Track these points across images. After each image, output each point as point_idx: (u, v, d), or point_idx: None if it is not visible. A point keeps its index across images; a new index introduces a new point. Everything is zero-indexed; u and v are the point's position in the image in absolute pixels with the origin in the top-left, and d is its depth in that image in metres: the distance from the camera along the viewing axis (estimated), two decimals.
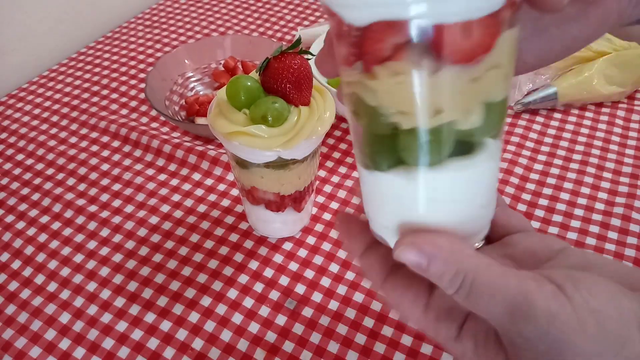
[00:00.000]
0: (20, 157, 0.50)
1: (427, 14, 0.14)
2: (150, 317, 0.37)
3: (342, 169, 0.48)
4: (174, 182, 0.47)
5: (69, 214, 0.44)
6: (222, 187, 0.46)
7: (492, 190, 0.19)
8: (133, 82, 0.58)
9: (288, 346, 0.35)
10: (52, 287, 0.39)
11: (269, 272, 0.39)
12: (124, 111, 0.55)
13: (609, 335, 0.15)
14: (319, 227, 0.42)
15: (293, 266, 0.40)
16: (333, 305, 0.37)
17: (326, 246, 0.41)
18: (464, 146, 0.17)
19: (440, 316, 0.18)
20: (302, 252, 0.41)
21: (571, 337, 0.15)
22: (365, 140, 0.18)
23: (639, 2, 0.20)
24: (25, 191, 0.47)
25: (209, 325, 0.36)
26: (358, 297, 0.38)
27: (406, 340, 0.35)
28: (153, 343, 0.35)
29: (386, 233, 0.19)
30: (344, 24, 0.16)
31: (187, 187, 0.46)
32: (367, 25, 0.15)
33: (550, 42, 0.21)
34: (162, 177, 0.47)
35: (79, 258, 0.41)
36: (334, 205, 0.44)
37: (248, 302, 0.38)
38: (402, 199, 0.18)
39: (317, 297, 0.38)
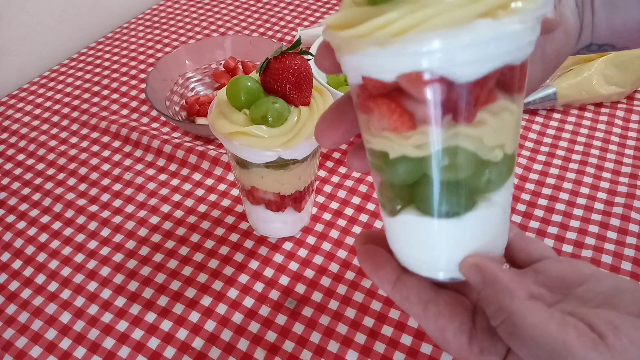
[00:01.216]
0: (21, 157, 0.50)
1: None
2: (150, 317, 0.37)
3: (342, 169, 0.48)
4: (175, 182, 0.47)
5: (69, 213, 0.45)
6: (222, 187, 0.46)
7: (507, 222, 0.20)
8: (134, 82, 0.59)
9: (288, 345, 0.35)
10: (53, 286, 0.39)
11: (269, 272, 0.39)
12: (125, 111, 0.55)
13: None
14: (319, 227, 0.43)
15: (293, 266, 0.40)
16: (333, 304, 0.37)
17: (326, 246, 0.41)
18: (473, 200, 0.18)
19: (484, 349, 0.18)
20: (302, 252, 0.41)
21: None
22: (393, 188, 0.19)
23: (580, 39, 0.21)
24: (26, 191, 0.47)
25: (210, 325, 0.36)
26: (358, 296, 0.38)
27: (406, 339, 0.35)
28: (153, 343, 0.36)
29: (419, 265, 0.20)
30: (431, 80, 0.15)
31: (187, 187, 0.46)
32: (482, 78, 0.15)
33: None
34: (163, 177, 0.48)
35: (79, 258, 0.41)
36: (334, 205, 0.44)
37: (248, 302, 0.38)
38: (432, 238, 0.19)
39: (317, 296, 0.38)
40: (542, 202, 0.44)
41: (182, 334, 0.36)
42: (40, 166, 0.49)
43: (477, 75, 0.15)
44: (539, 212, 0.43)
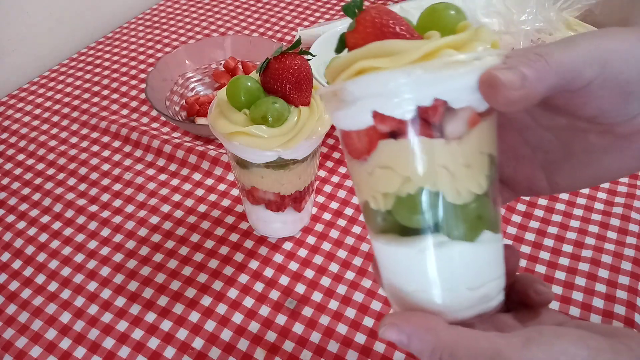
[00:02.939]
0: (21, 157, 0.50)
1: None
2: (150, 317, 0.37)
3: (342, 169, 0.48)
4: (175, 182, 0.47)
5: (69, 213, 0.45)
6: (222, 187, 0.46)
7: (481, 275, 0.20)
8: (134, 82, 0.59)
9: (288, 345, 0.35)
10: (53, 286, 0.39)
11: (269, 272, 0.39)
12: (125, 111, 0.55)
13: None
14: (319, 227, 0.43)
15: (293, 266, 0.40)
16: (333, 304, 0.37)
17: (326, 246, 0.41)
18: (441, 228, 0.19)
19: None
20: (302, 252, 0.41)
21: None
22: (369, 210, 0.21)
23: None
24: (26, 191, 0.47)
25: (210, 325, 0.36)
26: (358, 296, 0.38)
27: None
28: (153, 343, 0.36)
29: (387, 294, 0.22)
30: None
31: (187, 187, 0.46)
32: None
33: (580, 168, 0.21)
34: (163, 177, 0.48)
35: (79, 258, 0.41)
36: (334, 205, 0.44)
37: (248, 302, 0.38)
38: (394, 267, 0.21)
39: (317, 296, 0.38)
40: (542, 202, 0.44)
41: (182, 334, 0.36)
42: (40, 166, 0.49)
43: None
44: (539, 212, 0.43)
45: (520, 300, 0.22)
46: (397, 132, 0.18)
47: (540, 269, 0.39)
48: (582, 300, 0.37)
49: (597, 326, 0.19)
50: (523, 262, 0.39)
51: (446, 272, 0.19)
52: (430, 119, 0.18)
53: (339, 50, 0.20)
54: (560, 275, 0.38)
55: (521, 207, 0.44)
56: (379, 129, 0.19)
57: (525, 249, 0.40)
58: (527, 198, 0.44)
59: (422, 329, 0.18)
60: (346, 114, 0.19)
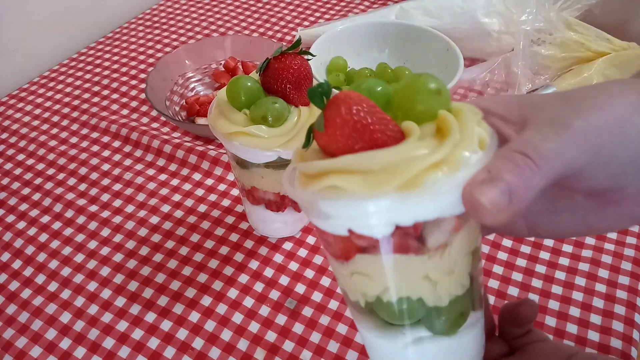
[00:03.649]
0: (21, 157, 0.50)
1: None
2: (150, 317, 0.37)
3: None
4: (175, 182, 0.47)
5: (69, 214, 0.45)
6: (222, 187, 0.46)
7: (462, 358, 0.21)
8: (133, 82, 0.59)
9: (288, 345, 0.35)
10: (53, 286, 0.39)
11: (269, 272, 0.39)
12: (125, 111, 0.55)
13: None
14: None
15: (293, 266, 0.40)
16: (333, 304, 0.37)
17: None
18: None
19: None
20: (302, 252, 0.41)
21: None
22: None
23: None
24: (26, 191, 0.47)
25: (210, 325, 0.36)
26: None
27: None
28: (153, 343, 0.36)
29: None
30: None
31: (187, 187, 0.46)
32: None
33: (564, 224, 0.20)
34: (163, 177, 0.48)
35: (79, 258, 0.41)
36: None
37: (248, 302, 0.38)
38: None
39: (317, 296, 0.38)
40: None
41: (182, 334, 0.36)
42: (40, 166, 0.49)
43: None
44: None
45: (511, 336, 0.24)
46: (374, 247, 0.18)
47: (541, 269, 0.39)
48: (582, 300, 0.37)
49: None
50: (523, 262, 0.39)
51: None
52: (410, 235, 0.17)
53: (306, 145, 0.18)
54: (560, 275, 0.38)
55: None
56: (356, 242, 0.18)
57: (525, 249, 0.40)
58: None
59: None
60: (321, 222, 0.18)
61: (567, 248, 0.40)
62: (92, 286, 0.39)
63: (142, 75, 0.59)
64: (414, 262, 0.17)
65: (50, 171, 0.49)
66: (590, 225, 0.20)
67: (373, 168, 0.16)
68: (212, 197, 0.45)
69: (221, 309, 0.37)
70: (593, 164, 0.17)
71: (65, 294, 0.39)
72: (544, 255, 0.40)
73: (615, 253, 0.40)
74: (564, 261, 0.39)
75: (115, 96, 0.57)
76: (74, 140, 0.52)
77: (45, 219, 0.44)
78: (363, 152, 0.16)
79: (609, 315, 0.36)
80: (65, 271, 0.40)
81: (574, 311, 0.36)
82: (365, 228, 0.17)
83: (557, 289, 0.37)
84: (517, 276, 0.38)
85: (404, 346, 0.20)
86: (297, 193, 0.18)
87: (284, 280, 0.39)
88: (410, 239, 0.17)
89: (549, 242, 0.41)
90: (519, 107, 0.18)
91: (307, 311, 0.37)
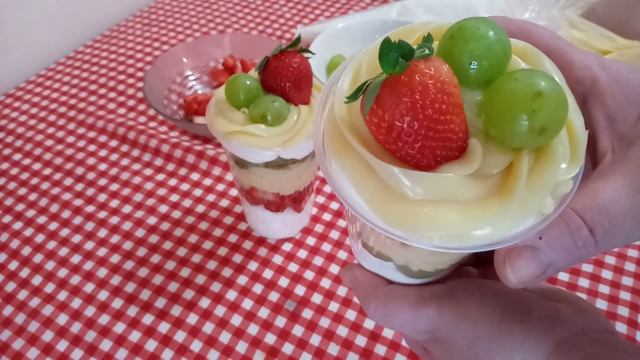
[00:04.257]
0: (17, 157, 0.50)
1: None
2: (148, 319, 0.36)
3: None
4: (172, 182, 0.46)
5: (66, 214, 0.44)
6: (221, 187, 0.46)
7: None
8: (131, 80, 0.58)
9: (288, 348, 0.35)
10: (50, 288, 0.39)
11: (268, 273, 0.39)
12: (122, 110, 0.54)
13: None
14: (319, 228, 0.42)
15: (293, 267, 0.39)
16: (333, 306, 0.37)
17: (326, 247, 0.41)
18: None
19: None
20: (302, 253, 0.40)
21: None
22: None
23: None
24: (22, 191, 0.46)
25: (208, 327, 0.36)
26: None
27: None
28: (151, 345, 0.35)
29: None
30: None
31: (185, 187, 0.46)
32: None
33: None
34: (160, 177, 0.47)
35: (76, 259, 0.41)
36: (334, 205, 0.44)
37: (247, 304, 0.37)
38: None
39: (317, 298, 0.37)
40: None
41: (180, 336, 0.36)
42: (37, 166, 0.49)
43: None
44: None
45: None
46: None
47: None
48: (588, 287, 0.36)
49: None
50: None
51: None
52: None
53: (352, 98, 0.15)
54: (563, 276, 0.38)
55: None
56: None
57: None
58: None
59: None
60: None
61: None
62: (89, 287, 0.39)
63: (140, 74, 0.59)
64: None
65: (47, 171, 0.48)
66: None
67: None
68: (211, 198, 0.45)
69: (220, 310, 0.37)
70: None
71: (62, 295, 0.38)
72: None
73: (618, 254, 0.39)
74: None
75: (112, 95, 0.56)
76: (70, 139, 0.51)
77: (42, 219, 0.44)
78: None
79: (613, 317, 0.35)
80: (62, 272, 0.40)
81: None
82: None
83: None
84: None
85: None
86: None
87: (283, 281, 0.38)
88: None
89: None
90: None
91: (307, 313, 0.36)
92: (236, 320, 0.36)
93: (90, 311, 0.37)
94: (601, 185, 0.15)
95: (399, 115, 0.13)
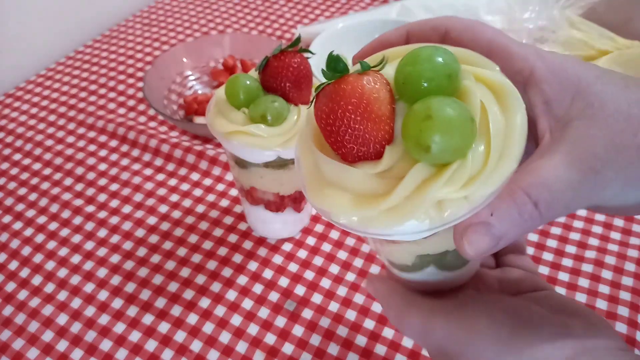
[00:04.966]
0: (17, 157, 0.50)
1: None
2: (148, 319, 0.36)
3: None
4: (172, 182, 0.46)
5: (66, 214, 0.44)
6: (221, 187, 0.46)
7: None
8: (131, 80, 0.58)
9: (288, 348, 0.35)
10: (50, 288, 0.39)
11: (268, 273, 0.39)
12: (122, 110, 0.54)
13: None
14: (319, 228, 0.42)
15: (293, 267, 0.39)
16: (333, 306, 0.37)
17: (326, 247, 0.41)
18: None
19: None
20: (302, 253, 0.40)
21: None
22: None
23: None
24: (22, 191, 0.46)
25: (208, 327, 0.36)
26: (358, 298, 0.37)
27: (407, 342, 0.35)
28: (151, 345, 0.35)
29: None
30: None
31: (185, 187, 0.46)
32: None
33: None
34: (160, 177, 0.47)
35: (76, 259, 0.41)
36: None
37: (247, 304, 0.37)
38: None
39: (317, 298, 0.37)
40: None
41: (180, 336, 0.36)
42: (37, 166, 0.49)
43: None
44: None
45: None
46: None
47: (544, 270, 0.38)
48: (585, 301, 0.36)
49: (578, 311, 0.20)
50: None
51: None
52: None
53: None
54: (563, 276, 0.38)
55: None
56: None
57: (529, 249, 0.40)
58: None
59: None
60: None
61: (571, 249, 0.40)
62: (89, 287, 0.39)
63: (140, 74, 0.59)
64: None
65: (47, 171, 0.48)
66: None
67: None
68: (211, 198, 0.45)
69: (220, 310, 0.37)
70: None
71: (62, 295, 0.38)
72: (547, 256, 0.39)
73: (618, 254, 0.39)
74: (567, 262, 0.39)
75: (112, 95, 0.56)
76: (70, 139, 0.51)
77: (42, 219, 0.44)
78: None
79: (613, 317, 0.35)
80: (62, 272, 0.40)
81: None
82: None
83: (560, 290, 0.37)
84: None
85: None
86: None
87: (283, 281, 0.38)
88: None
89: (552, 244, 0.40)
90: (577, 94, 0.17)
91: (307, 313, 0.36)
92: (236, 320, 0.36)
93: (90, 311, 0.37)
94: (542, 163, 0.16)
95: (325, 115, 0.17)
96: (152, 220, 0.43)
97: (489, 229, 0.15)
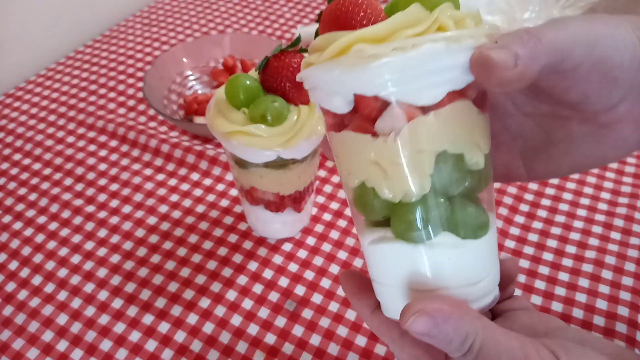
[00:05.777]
0: (17, 157, 0.50)
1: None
2: (148, 319, 0.36)
3: None
4: (172, 182, 0.46)
5: (66, 214, 0.44)
6: (221, 187, 0.46)
7: (491, 261, 0.20)
8: (131, 80, 0.58)
9: (288, 348, 0.35)
10: (50, 288, 0.39)
11: (268, 273, 0.39)
12: (122, 110, 0.54)
13: None
14: (319, 228, 0.42)
15: (293, 267, 0.39)
16: (333, 306, 0.37)
17: (326, 247, 0.41)
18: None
19: None
20: (302, 253, 0.40)
21: None
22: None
23: None
24: (22, 191, 0.46)
25: (208, 327, 0.36)
26: None
27: None
28: (151, 345, 0.35)
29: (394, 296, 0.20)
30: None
31: (185, 187, 0.46)
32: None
33: (558, 157, 0.21)
34: (160, 177, 0.47)
35: (76, 259, 0.41)
36: (334, 205, 0.44)
37: (247, 304, 0.37)
38: (405, 265, 0.19)
39: (317, 298, 0.37)
40: (546, 202, 0.43)
41: (180, 336, 0.36)
42: (37, 166, 0.49)
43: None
44: (542, 213, 0.43)
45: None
46: (338, 124, 0.19)
47: (544, 270, 0.38)
48: (585, 301, 0.36)
49: (599, 343, 0.20)
50: (526, 264, 0.39)
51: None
52: (362, 113, 0.18)
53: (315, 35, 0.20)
54: (563, 276, 0.38)
55: (524, 207, 0.43)
56: (325, 119, 0.20)
57: (529, 250, 0.40)
58: (531, 198, 0.44)
59: (456, 315, 0.17)
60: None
61: (571, 249, 0.40)
62: (89, 287, 0.39)
63: (140, 74, 0.59)
64: (364, 142, 0.18)
65: (47, 171, 0.48)
66: (586, 156, 0.20)
67: (327, 44, 0.17)
68: (211, 198, 0.45)
69: (220, 310, 0.37)
70: (589, 61, 0.17)
71: (62, 295, 0.38)
72: (547, 256, 0.39)
73: (618, 254, 0.39)
74: (567, 262, 0.39)
75: (112, 95, 0.56)
76: (70, 139, 0.51)
77: (42, 219, 0.44)
78: (326, 33, 0.18)
79: (612, 317, 0.35)
80: (62, 272, 0.40)
81: (577, 313, 0.36)
82: (325, 101, 0.19)
83: (560, 291, 0.37)
84: (524, 263, 0.38)
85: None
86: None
87: (283, 281, 0.38)
88: (363, 116, 0.18)
89: (552, 244, 0.40)
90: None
91: (307, 313, 0.36)
92: (236, 320, 0.36)
93: (90, 311, 0.37)
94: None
95: (338, 4, 0.19)
96: (152, 220, 0.43)
97: (502, 48, 0.16)
